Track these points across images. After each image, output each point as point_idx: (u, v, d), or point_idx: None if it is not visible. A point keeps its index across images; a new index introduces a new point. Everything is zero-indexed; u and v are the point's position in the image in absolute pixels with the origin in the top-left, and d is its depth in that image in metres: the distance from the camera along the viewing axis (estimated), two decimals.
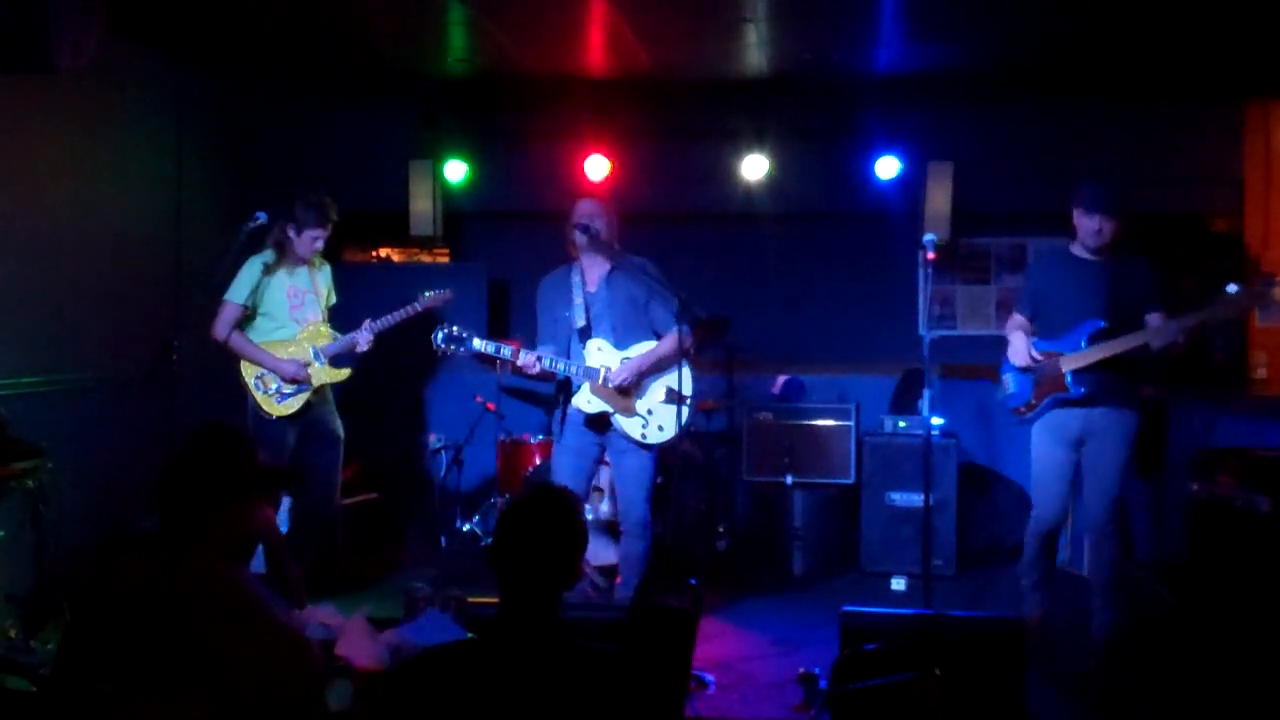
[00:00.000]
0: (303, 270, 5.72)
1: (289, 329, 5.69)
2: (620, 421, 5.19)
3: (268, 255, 5.63)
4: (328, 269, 5.92)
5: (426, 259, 8.32)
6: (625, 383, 5.14)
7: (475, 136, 7.57)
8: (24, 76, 4.74)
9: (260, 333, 5.66)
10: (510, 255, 7.75)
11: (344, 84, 7.35)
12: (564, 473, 5.26)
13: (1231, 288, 4.74)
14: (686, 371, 5.17)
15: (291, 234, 5.60)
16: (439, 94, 7.38)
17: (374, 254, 8.68)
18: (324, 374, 5.73)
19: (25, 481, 4.84)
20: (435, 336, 5.17)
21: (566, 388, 5.27)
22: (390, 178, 7.48)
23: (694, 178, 7.50)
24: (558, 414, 5.31)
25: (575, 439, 5.27)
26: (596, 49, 6.45)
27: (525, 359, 5.10)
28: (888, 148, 7.18)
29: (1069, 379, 4.90)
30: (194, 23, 5.97)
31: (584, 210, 5.25)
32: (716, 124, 7.41)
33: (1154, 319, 4.85)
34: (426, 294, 5.89)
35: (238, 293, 5.58)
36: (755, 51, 6.38)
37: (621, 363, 5.17)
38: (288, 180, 5.79)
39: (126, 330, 5.95)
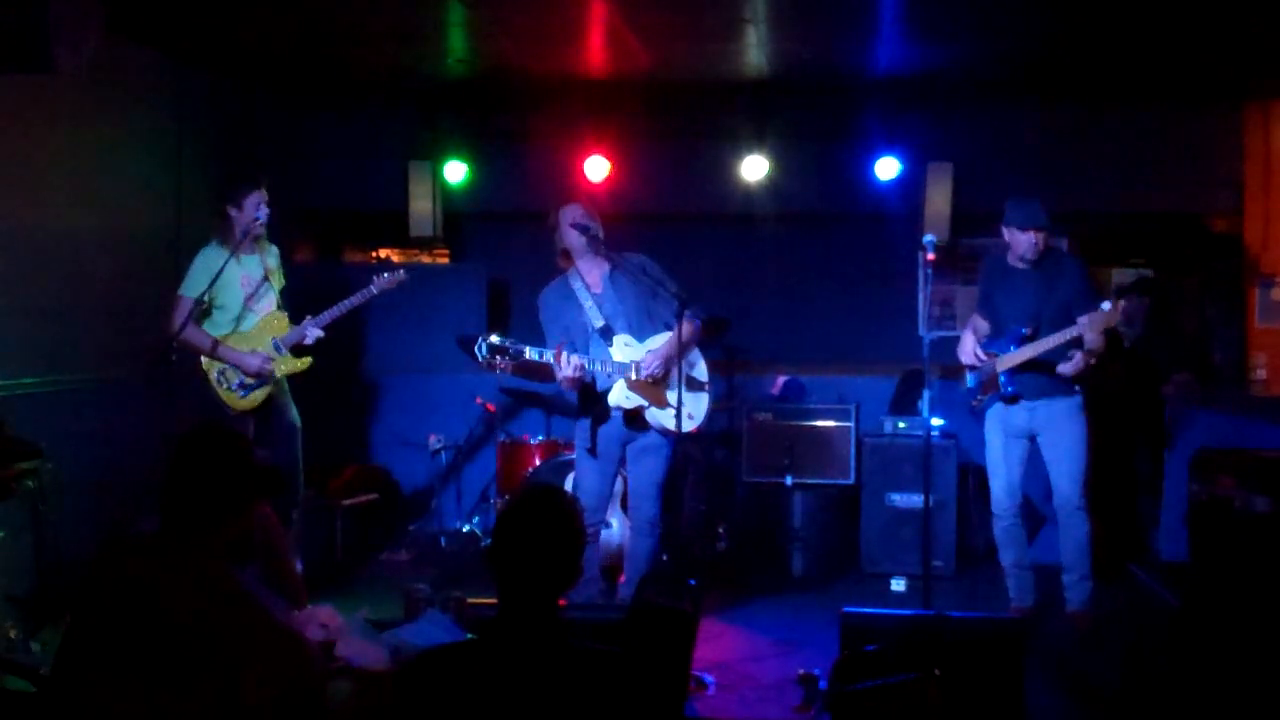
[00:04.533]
0: (253, 258, 5.58)
1: (246, 320, 5.57)
2: (656, 415, 5.19)
3: (217, 246, 5.48)
4: (275, 250, 5.74)
5: (426, 259, 8.33)
6: (657, 373, 5.15)
7: (475, 137, 7.57)
8: (24, 76, 4.74)
9: (217, 326, 5.52)
10: (510, 256, 7.75)
11: (344, 84, 7.35)
12: (590, 479, 5.25)
13: (1105, 304, 4.97)
14: (700, 359, 5.35)
15: (233, 213, 5.50)
16: (439, 94, 7.38)
17: (374, 254, 8.69)
18: (286, 364, 5.61)
19: (25, 481, 4.83)
20: (479, 350, 4.99)
21: (597, 399, 5.20)
22: (390, 178, 7.48)
23: (694, 178, 7.50)
24: (585, 426, 5.26)
25: (603, 448, 5.26)
26: (596, 49, 6.45)
27: (569, 370, 4.99)
28: (887, 148, 7.18)
29: (1002, 378, 5.28)
30: (194, 24, 5.97)
31: (577, 214, 5.24)
32: (716, 124, 7.41)
33: (1082, 320, 5.09)
34: (384, 276, 5.74)
35: (191, 286, 5.42)
36: (755, 51, 6.38)
37: (647, 355, 5.18)
38: (288, 181, 5.76)
39: (126, 330, 5.94)
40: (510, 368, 5.12)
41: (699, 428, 5.34)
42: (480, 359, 5.02)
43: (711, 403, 5.41)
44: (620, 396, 5.15)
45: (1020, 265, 5.32)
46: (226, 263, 5.40)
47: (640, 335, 5.25)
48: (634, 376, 5.14)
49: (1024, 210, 5.22)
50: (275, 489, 2.68)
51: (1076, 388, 5.29)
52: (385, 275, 5.77)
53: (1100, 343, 5.08)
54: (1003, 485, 5.42)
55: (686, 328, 5.12)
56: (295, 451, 5.67)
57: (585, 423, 5.27)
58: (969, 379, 5.55)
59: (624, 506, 5.81)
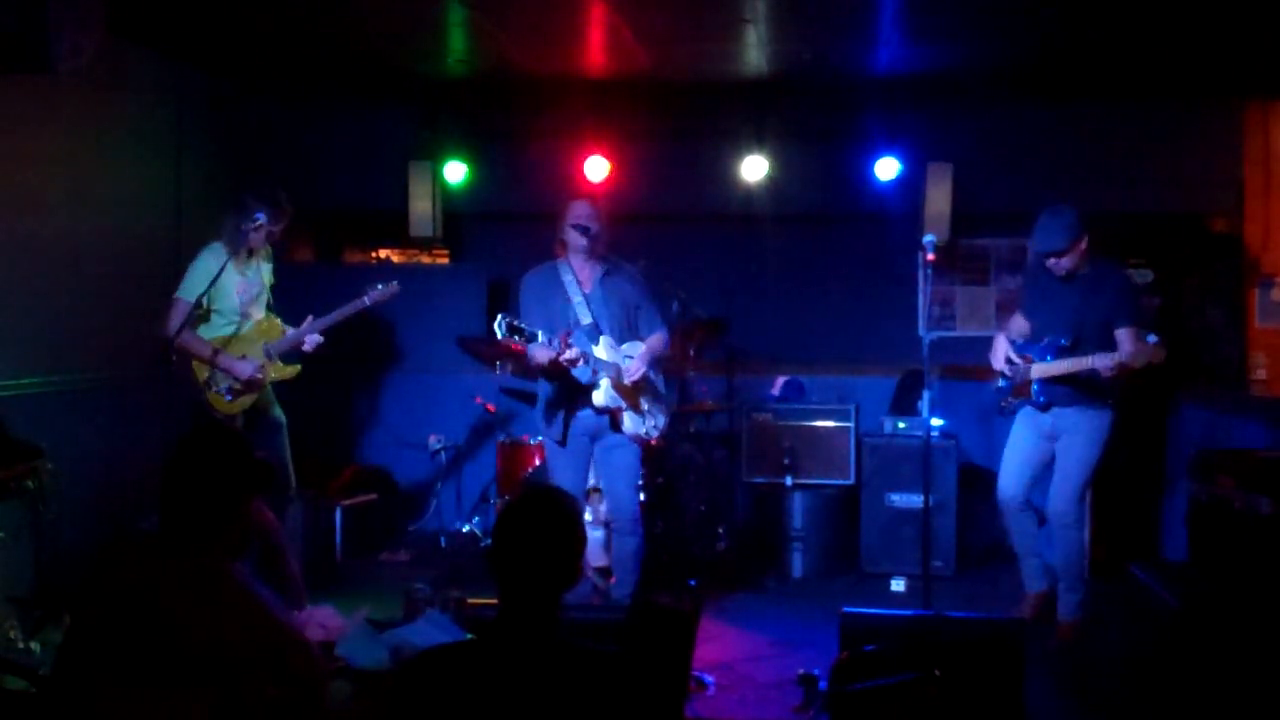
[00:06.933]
0: (252, 264, 5.57)
1: (240, 325, 5.48)
2: (627, 419, 5.21)
3: (217, 250, 5.38)
4: (270, 253, 5.64)
5: (426, 260, 8.33)
6: (640, 377, 5.19)
7: (475, 137, 7.57)
8: (24, 76, 4.74)
9: (211, 329, 5.43)
10: (510, 256, 7.73)
11: (344, 84, 7.35)
12: (565, 476, 5.25)
13: (1151, 338, 4.94)
14: (659, 373, 5.45)
15: (244, 227, 5.48)
16: (439, 94, 7.38)
17: (374, 254, 8.69)
18: (276, 371, 5.54)
19: (25, 482, 4.83)
20: (498, 325, 4.94)
21: (571, 390, 5.21)
22: (390, 178, 7.48)
23: (694, 178, 7.50)
24: (558, 418, 5.26)
25: (572, 442, 5.27)
26: (596, 50, 6.45)
27: (571, 354, 4.98)
28: (887, 148, 7.18)
29: (1035, 387, 5.23)
30: (194, 24, 5.97)
31: (582, 212, 5.22)
32: (716, 124, 7.41)
33: (1122, 335, 5.04)
34: (377, 287, 5.64)
35: (189, 289, 5.31)
36: (755, 52, 6.38)
37: (625, 360, 5.20)
38: (288, 181, 5.73)
39: (126, 330, 5.93)
40: (522, 350, 5.13)
41: (662, 433, 5.41)
42: (500, 336, 4.95)
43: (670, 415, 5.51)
44: (606, 397, 5.16)
45: (1059, 273, 5.20)
46: (225, 266, 5.36)
47: (619, 341, 5.25)
48: (618, 378, 5.15)
49: (1041, 232, 5.11)
50: (270, 484, 2.67)
51: (1108, 402, 5.21)
52: (380, 287, 5.65)
53: (1138, 363, 4.95)
54: (1008, 475, 5.40)
55: (660, 339, 5.32)
56: (283, 447, 5.63)
57: (558, 415, 5.26)
58: (1001, 381, 5.46)
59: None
